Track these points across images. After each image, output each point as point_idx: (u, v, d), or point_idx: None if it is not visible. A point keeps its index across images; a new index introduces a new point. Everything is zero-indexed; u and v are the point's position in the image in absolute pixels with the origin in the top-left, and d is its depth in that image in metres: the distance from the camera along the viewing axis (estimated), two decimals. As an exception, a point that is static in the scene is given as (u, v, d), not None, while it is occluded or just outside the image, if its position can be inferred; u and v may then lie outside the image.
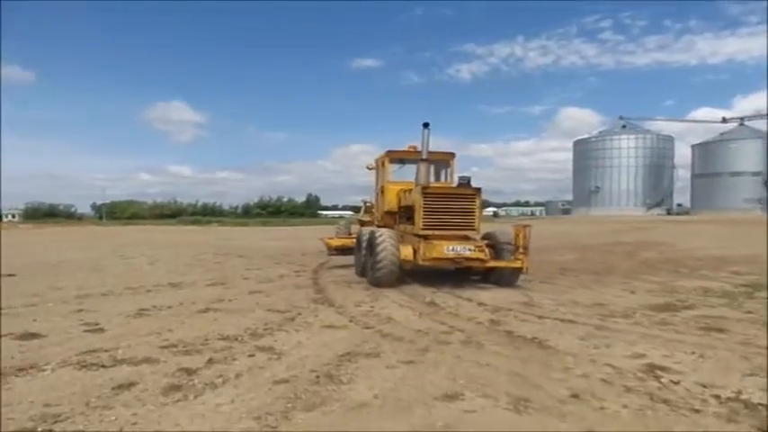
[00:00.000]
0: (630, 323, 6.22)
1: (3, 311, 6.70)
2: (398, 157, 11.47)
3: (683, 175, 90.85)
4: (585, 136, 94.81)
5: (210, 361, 4.42)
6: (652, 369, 4.30)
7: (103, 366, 4.23)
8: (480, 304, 7.35)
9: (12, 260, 14.27)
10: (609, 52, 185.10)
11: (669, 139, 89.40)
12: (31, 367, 4.19)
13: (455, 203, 9.15)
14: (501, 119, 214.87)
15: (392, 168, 11.39)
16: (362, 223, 13.65)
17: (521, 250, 8.93)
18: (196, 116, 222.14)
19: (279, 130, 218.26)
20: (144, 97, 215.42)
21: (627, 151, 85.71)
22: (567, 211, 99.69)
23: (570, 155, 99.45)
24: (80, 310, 6.76)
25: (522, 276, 9.36)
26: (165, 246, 21.26)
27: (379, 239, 8.95)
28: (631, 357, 4.67)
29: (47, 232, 39.57)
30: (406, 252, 8.98)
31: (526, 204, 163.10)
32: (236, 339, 5.22)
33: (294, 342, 5.11)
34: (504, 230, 9.80)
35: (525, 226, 9.18)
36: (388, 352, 4.79)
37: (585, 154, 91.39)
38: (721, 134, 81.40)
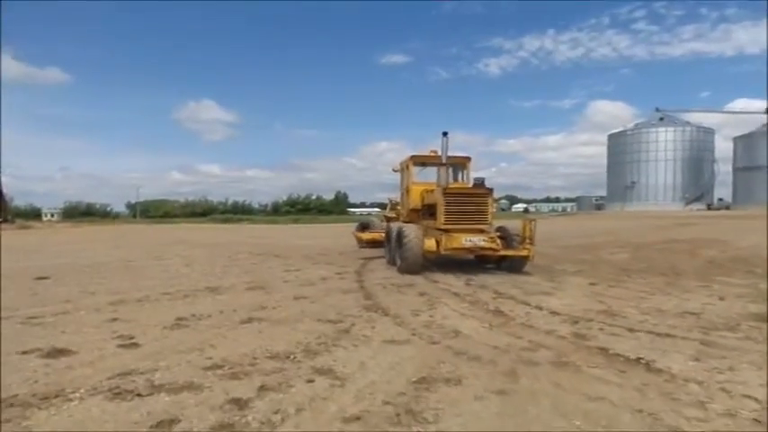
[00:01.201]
0: (741, 338, 5.30)
1: (33, 320, 6.17)
2: (421, 161, 12.98)
3: (722, 168, 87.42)
4: (620, 129, 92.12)
5: (263, 388, 3.71)
6: (808, 404, 3.45)
7: (139, 395, 3.57)
8: (553, 313, 6.49)
9: (47, 261, 14.01)
10: (642, 43, 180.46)
11: (710, 132, 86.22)
12: (56, 396, 3.55)
13: (471, 202, 10.42)
14: (530, 113, 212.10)
15: (415, 170, 12.85)
16: (388, 219, 14.79)
17: (527, 241, 10.13)
18: (226, 115, 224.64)
19: (307, 127, 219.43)
20: (175, 97, 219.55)
21: (665, 144, 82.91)
22: (600, 207, 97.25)
23: (602, 149, 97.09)
24: (114, 320, 6.15)
25: (587, 279, 9.49)
26: (198, 245, 20.86)
27: (406, 233, 10.13)
28: (771, 386, 3.80)
29: (83, 231, 39.97)
30: (430, 244, 10.11)
31: (556, 200, 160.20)
32: (288, 358, 4.51)
33: (356, 363, 4.36)
34: (514, 225, 10.94)
35: (531, 220, 10.42)
36: (469, 376, 4.01)
37: (621, 148, 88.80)
38: (765, 125, 77.69)
